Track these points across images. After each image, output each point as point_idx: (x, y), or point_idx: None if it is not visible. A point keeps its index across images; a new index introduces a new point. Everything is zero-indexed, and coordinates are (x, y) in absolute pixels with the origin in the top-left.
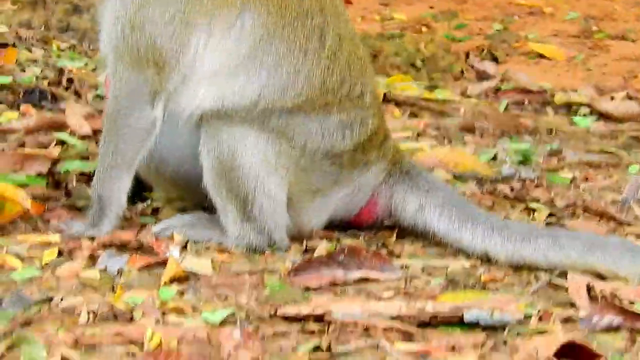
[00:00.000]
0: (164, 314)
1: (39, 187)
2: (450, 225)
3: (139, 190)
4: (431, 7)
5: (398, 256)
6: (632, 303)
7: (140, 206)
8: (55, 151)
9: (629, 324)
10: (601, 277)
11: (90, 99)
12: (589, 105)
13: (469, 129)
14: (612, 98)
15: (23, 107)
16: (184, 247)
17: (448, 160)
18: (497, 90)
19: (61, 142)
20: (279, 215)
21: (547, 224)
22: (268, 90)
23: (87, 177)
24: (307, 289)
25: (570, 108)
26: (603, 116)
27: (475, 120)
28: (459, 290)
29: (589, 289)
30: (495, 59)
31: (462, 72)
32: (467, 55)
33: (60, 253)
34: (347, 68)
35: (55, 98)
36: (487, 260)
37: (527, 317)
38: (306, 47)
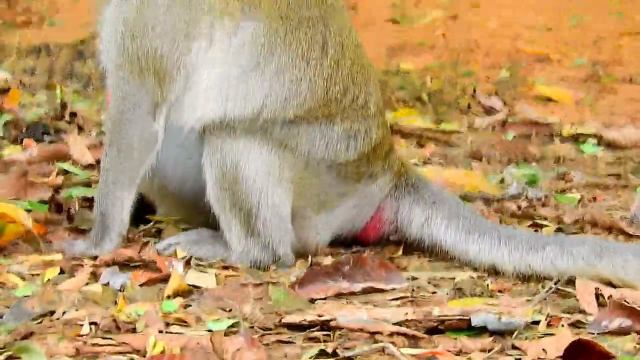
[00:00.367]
0: (167, 324)
1: (41, 212)
2: (457, 237)
3: (142, 213)
4: (438, 57)
5: (404, 269)
6: None
7: (143, 227)
8: (57, 179)
9: (639, 326)
10: (609, 283)
11: (93, 134)
12: (595, 136)
13: (476, 156)
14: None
15: (25, 140)
16: (188, 263)
17: (455, 180)
18: (504, 123)
19: (64, 172)
20: (284, 230)
21: None
22: (270, 100)
23: (90, 202)
24: (313, 300)
25: (577, 139)
26: (610, 145)
27: (482, 148)
28: (466, 298)
29: (598, 294)
30: (503, 102)
31: (468, 106)
32: (474, 90)
33: (62, 271)
34: (350, 77)
35: (57, 132)
36: (494, 271)
37: (535, 323)
38: (308, 56)
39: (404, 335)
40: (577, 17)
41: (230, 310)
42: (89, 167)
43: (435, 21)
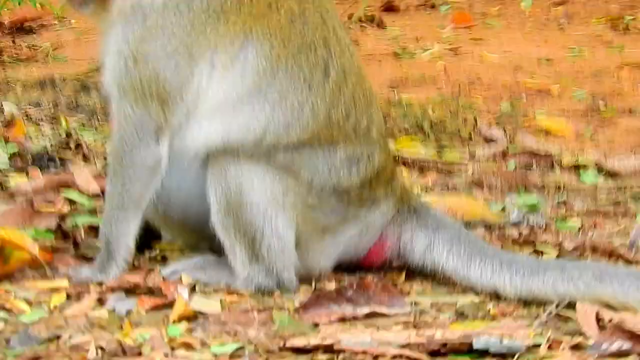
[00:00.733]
0: (172, 348)
1: (47, 240)
2: (459, 262)
3: (148, 239)
4: (439, 89)
5: (407, 294)
6: None
7: (148, 254)
8: (63, 208)
9: (639, 349)
10: (610, 307)
11: (98, 164)
12: (595, 165)
13: (478, 185)
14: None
15: (31, 170)
16: (193, 289)
17: (457, 207)
18: (505, 153)
19: (69, 200)
20: (288, 255)
21: None
22: (273, 124)
23: (95, 230)
24: (316, 324)
25: (577, 169)
26: (610, 175)
27: (483, 177)
28: (468, 321)
29: (598, 317)
30: (504, 133)
31: (470, 136)
32: (475, 121)
33: (68, 297)
34: (352, 102)
35: (63, 162)
36: (496, 296)
37: (536, 346)
38: (310, 80)
39: (407, 358)
40: (576, 50)
41: (235, 335)
42: (95, 196)
43: (436, 55)
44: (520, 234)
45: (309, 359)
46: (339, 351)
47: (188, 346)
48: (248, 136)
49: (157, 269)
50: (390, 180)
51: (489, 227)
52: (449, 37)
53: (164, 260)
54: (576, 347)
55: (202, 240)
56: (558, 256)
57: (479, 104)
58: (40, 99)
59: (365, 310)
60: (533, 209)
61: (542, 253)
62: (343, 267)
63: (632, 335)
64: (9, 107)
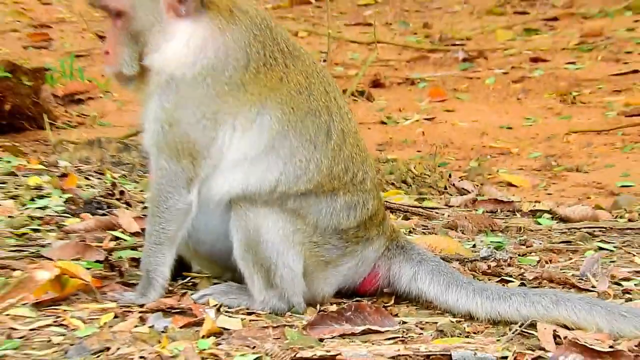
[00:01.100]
0: (203, 358)
1: (97, 270)
2: (438, 289)
3: (180, 270)
4: (418, 151)
5: (396, 315)
6: (591, 345)
7: (180, 281)
8: (110, 244)
9: None
10: (565, 326)
11: (138, 208)
12: (550, 212)
13: (452, 227)
14: (569, 205)
15: (83, 214)
16: (218, 310)
17: (436, 245)
18: (474, 201)
19: (115, 238)
20: (297, 283)
21: None
22: (285, 177)
23: (136, 262)
24: (321, 339)
25: (534, 214)
26: (562, 219)
27: (457, 220)
28: (447, 338)
29: (555, 335)
30: (473, 185)
31: (445, 188)
32: (450, 175)
33: (115, 316)
34: (350, 158)
35: (109, 207)
36: (470, 317)
37: (504, 358)
38: (315, 141)
39: None
40: (532, 119)
41: (254, 347)
42: (135, 234)
43: (416, 122)
44: (488, 266)
45: None
46: None
47: (215, 357)
48: (263, 186)
49: (188, 294)
50: (382, 222)
51: (462, 261)
52: (426, 108)
53: (194, 286)
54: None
55: (226, 270)
56: (520, 285)
57: (452, 162)
58: (89, 157)
59: (361, 328)
60: (499, 246)
61: (507, 282)
62: (342, 293)
63: (584, 349)
64: (63, 163)
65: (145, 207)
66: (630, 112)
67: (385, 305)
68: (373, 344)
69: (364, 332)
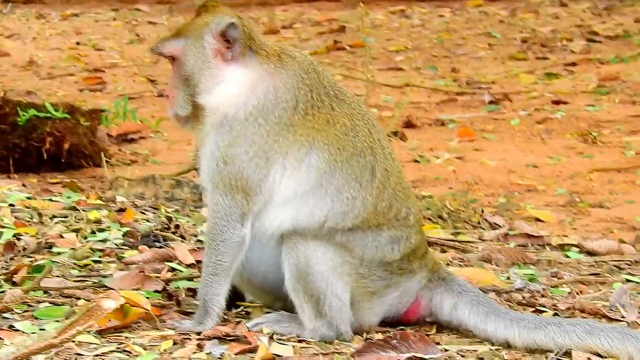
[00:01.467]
0: None
1: (156, 299)
2: (478, 319)
3: (234, 300)
4: (450, 188)
5: (438, 343)
6: None
7: (235, 310)
8: (167, 275)
9: None
10: (598, 355)
11: (192, 241)
12: (578, 246)
13: (487, 260)
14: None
15: (141, 247)
16: (271, 338)
17: (472, 277)
18: (506, 235)
19: (171, 269)
20: (345, 313)
21: None
22: (332, 213)
23: (193, 292)
24: None
25: (563, 247)
26: (589, 253)
27: (491, 254)
28: None
29: None
30: (504, 220)
31: (478, 222)
32: (482, 211)
33: (174, 343)
34: (394, 195)
35: (165, 240)
36: (507, 345)
37: None
38: (360, 179)
39: None
40: (556, 158)
41: None
42: (191, 265)
43: (446, 161)
44: (523, 297)
45: None
46: None
47: None
48: (312, 222)
49: (242, 322)
50: (424, 255)
51: (498, 292)
52: (456, 147)
53: (247, 315)
54: None
55: (277, 300)
56: (554, 315)
57: (482, 199)
58: (144, 192)
59: (406, 355)
60: (531, 278)
61: (541, 312)
62: (387, 322)
63: None
64: (120, 198)
65: (199, 240)
66: None
67: (428, 333)
68: None
69: (408, 359)
